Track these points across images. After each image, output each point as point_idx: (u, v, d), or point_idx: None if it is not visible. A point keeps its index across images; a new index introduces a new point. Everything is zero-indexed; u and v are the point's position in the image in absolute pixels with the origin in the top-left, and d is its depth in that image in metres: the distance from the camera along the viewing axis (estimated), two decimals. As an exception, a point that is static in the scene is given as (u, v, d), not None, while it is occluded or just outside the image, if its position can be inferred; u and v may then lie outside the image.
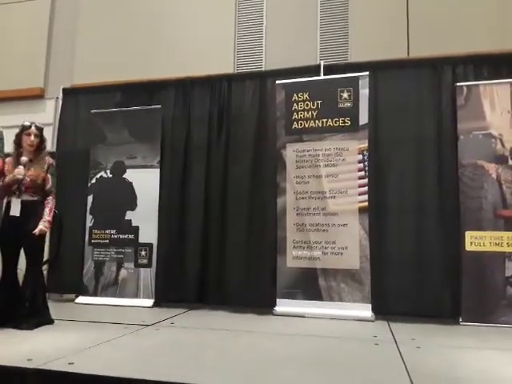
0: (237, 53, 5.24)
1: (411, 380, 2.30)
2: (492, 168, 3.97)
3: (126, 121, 4.92)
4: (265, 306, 4.18)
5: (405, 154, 4.23)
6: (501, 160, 3.95)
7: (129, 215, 4.79)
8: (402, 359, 2.69)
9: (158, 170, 4.78)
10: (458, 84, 4.14)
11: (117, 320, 3.75)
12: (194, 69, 4.90)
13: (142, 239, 4.72)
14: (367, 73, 4.29)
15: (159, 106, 4.87)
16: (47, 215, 3.57)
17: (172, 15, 5.43)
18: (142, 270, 4.66)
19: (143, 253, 4.69)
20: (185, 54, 5.21)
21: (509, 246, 3.84)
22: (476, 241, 3.92)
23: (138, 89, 5.07)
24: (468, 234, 3.94)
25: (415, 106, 4.26)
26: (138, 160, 4.86)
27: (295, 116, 4.42)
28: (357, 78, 4.30)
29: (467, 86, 4.11)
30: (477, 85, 4.09)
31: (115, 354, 2.76)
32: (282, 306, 4.16)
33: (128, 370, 2.37)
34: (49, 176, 3.66)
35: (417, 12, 4.58)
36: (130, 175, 4.87)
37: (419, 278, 4.00)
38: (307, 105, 4.39)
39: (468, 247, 3.92)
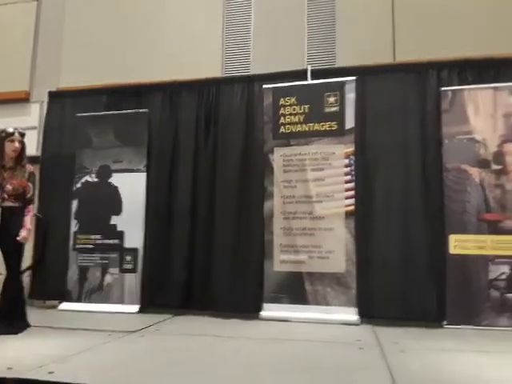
0: (224, 57, 5.24)
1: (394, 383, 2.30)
2: (475, 172, 4.01)
3: (113, 124, 4.89)
4: (251, 311, 4.17)
5: (391, 158, 4.25)
6: (484, 164, 4.00)
7: (114, 220, 4.75)
8: (386, 363, 2.69)
9: (144, 174, 4.75)
10: (442, 89, 4.19)
11: (101, 327, 3.70)
12: (181, 73, 4.88)
13: (127, 244, 4.68)
14: (353, 78, 4.32)
15: (146, 109, 4.84)
16: (29, 223, 3.59)
17: (159, 19, 5.42)
18: (127, 275, 4.61)
19: (128, 258, 4.64)
20: (172, 57, 5.18)
21: (492, 249, 3.88)
22: (460, 244, 3.96)
23: (124, 92, 5.04)
24: (452, 238, 3.98)
25: (401, 111, 4.30)
26: (124, 164, 4.82)
27: (282, 120, 4.43)
28: (343, 82, 4.33)
29: (452, 90, 4.16)
30: (461, 90, 4.14)
31: (97, 361, 2.72)
32: (269, 310, 4.15)
33: (109, 379, 2.34)
34: (30, 184, 3.65)
35: (402, 17, 4.63)
36: (115, 179, 4.82)
37: (404, 281, 4.02)
38: (294, 109, 4.41)
39: (452, 250, 3.96)
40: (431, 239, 4.05)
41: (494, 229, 3.90)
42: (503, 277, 3.82)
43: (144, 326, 3.76)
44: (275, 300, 4.17)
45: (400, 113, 4.29)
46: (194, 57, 5.11)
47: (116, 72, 5.19)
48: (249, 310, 4.18)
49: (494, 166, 3.98)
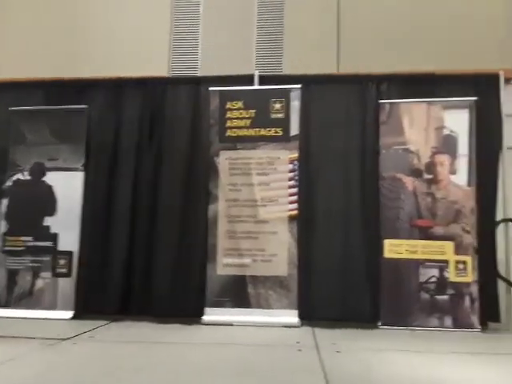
0: (172, 57, 5.15)
1: None
2: (409, 181, 4.26)
3: (49, 120, 4.62)
4: (193, 316, 4.11)
5: (332, 165, 4.40)
6: (417, 174, 4.25)
7: (47, 221, 4.48)
8: (322, 364, 2.78)
9: (81, 174, 4.53)
10: (381, 101, 4.40)
11: (30, 334, 3.47)
12: (125, 70, 4.72)
13: (61, 247, 4.43)
14: (299, 86, 4.43)
15: (85, 106, 4.63)
16: None
17: (104, 13, 5.22)
18: (60, 279, 4.36)
19: (62, 261, 4.40)
20: (117, 54, 5.02)
21: (422, 253, 4.13)
22: (394, 248, 4.17)
23: (63, 87, 4.77)
24: (386, 242, 4.19)
25: (343, 120, 4.46)
26: (59, 162, 4.56)
27: (229, 124, 4.43)
28: (289, 89, 4.42)
29: (389, 103, 4.38)
30: (398, 103, 4.38)
31: (22, 372, 2.55)
32: (211, 314, 4.12)
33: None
34: None
35: (347, 31, 4.84)
36: (50, 178, 4.56)
37: (343, 284, 4.17)
38: (241, 113, 4.43)
39: (387, 254, 4.17)
40: (368, 244, 4.23)
41: (425, 234, 4.16)
42: (433, 280, 4.08)
43: (77, 333, 3.58)
44: (218, 304, 4.15)
45: (342, 122, 4.46)
46: (141, 54, 4.98)
47: (55, 66, 4.93)
48: (191, 314, 4.12)
49: (426, 176, 4.25)
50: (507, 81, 4.55)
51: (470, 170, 4.18)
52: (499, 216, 4.26)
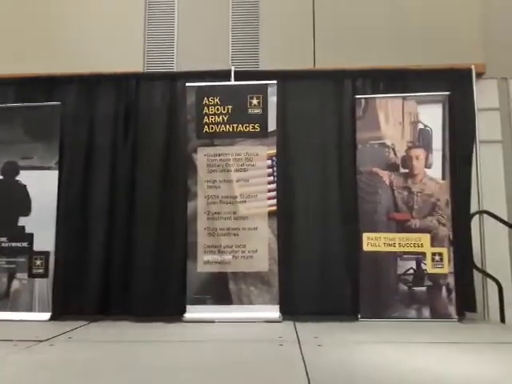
0: (147, 52, 5.06)
1: (308, 379, 2.40)
2: (385, 175, 4.32)
3: (21, 118, 4.50)
4: (174, 314, 4.08)
5: (310, 161, 4.43)
6: (393, 168, 4.31)
7: (22, 221, 4.37)
8: (303, 358, 2.80)
9: (56, 172, 4.43)
10: (357, 96, 4.44)
11: (6, 336, 3.40)
12: (99, 65, 4.64)
13: (37, 247, 4.33)
14: (275, 81, 4.43)
15: (59, 102, 4.53)
16: None
17: (76, 6, 5.08)
18: (37, 280, 4.27)
19: (38, 262, 4.31)
20: (91, 49, 4.89)
21: (400, 246, 4.20)
22: (372, 241, 4.23)
23: (35, 83, 4.66)
24: (365, 236, 4.24)
25: (320, 115, 4.49)
26: (33, 161, 4.45)
27: (206, 120, 4.40)
28: (265, 85, 4.42)
29: (365, 98, 4.43)
30: (373, 98, 4.43)
31: (-1, 374, 2.49)
32: (192, 312, 4.09)
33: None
34: None
35: (322, 26, 4.85)
36: (23, 177, 4.45)
37: (323, 278, 4.21)
38: (218, 109, 4.40)
39: (365, 247, 4.22)
40: (347, 238, 4.28)
41: (402, 227, 4.23)
42: (410, 271, 4.15)
43: (55, 335, 3.52)
44: (199, 301, 4.12)
45: (319, 117, 4.49)
46: (115, 50, 4.86)
47: (26, 62, 4.79)
48: (171, 312, 4.09)
49: (402, 170, 4.31)
50: (479, 75, 4.67)
51: (444, 164, 4.27)
52: (473, 208, 4.36)
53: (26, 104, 4.54)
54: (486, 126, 4.58)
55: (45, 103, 4.54)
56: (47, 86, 4.67)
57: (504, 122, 4.79)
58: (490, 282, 4.23)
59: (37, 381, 2.44)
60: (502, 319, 4.05)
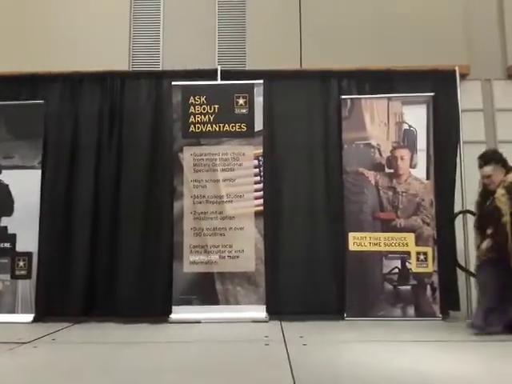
0: (132, 51, 5.02)
1: (294, 378, 2.41)
2: (371, 175, 4.35)
3: (3, 116, 4.42)
4: (160, 315, 4.06)
5: (297, 161, 4.44)
6: (378, 168, 4.35)
7: (4, 221, 4.31)
8: (289, 358, 2.82)
9: (38, 172, 4.36)
10: (342, 97, 4.46)
11: (-11, 339, 3.33)
12: (85, 64, 4.58)
13: (19, 248, 4.27)
14: (262, 81, 4.42)
15: (42, 101, 4.46)
16: None
17: (63, 5, 5.01)
18: (19, 281, 4.21)
19: (21, 263, 4.24)
20: (74, 46, 4.83)
21: (385, 245, 4.23)
22: (358, 241, 4.26)
23: (18, 82, 4.58)
24: (351, 235, 4.26)
25: (306, 115, 4.51)
26: (15, 160, 4.39)
27: (192, 119, 4.38)
28: (252, 85, 4.41)
29: (351, 99, 4.45)
30: (359, 98, 4.46)
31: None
32: (178, 312, 4.08)
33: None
34: None
35: (309, 27, 4.87)
36: (5, 177, 4.37)
37: (309, 277, 4.23)
38: (204, 108, 4.38)
39: (351, 247, 4.24)
40: (333, 237, 4.30)
41: (387, 227, 4.26)
42: (395, 271, 4.19)
43: (38, 336, 3.48)
44: (185, 302, 4.11)
45: (305, 117, 4.50)
46: (99, 48, 4.81)
47: (8, 59, 4.70)
48: (157, 313, 4.07)
49: (387, 170, 4.34)
50: (463, 76, 4.72)
51: (428, 164, 4.31)
52: (457, 208, 4.41)
53: (8, 102, 4.47)
54: (470, 126, 4.64)
55: (28, 101, 4.47)
56: (30, 85, 4.60)
57: (487, 123, 4.87)
58: (473, 280, 4.28)
59: (20, 383, 2.40)
60: (485, 317, 4.11)
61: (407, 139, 4.36)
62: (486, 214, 3.64)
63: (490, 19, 5.00)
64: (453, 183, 4.44)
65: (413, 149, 4.34)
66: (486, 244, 3.58)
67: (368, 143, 4.39)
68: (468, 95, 4.70)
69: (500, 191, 3.56)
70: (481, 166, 3.73)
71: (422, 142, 4.35)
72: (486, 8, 5.03)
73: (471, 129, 4.65)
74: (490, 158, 3.72)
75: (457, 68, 4.56)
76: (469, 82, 4.81)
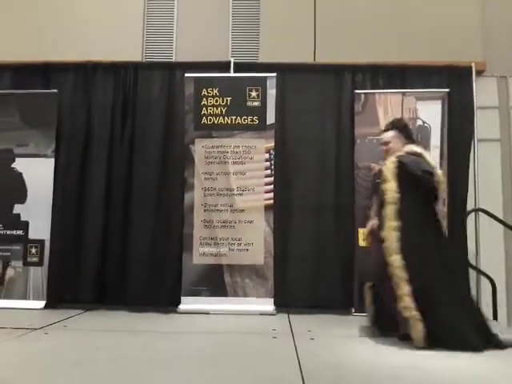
0: (146, 42, 5.00)
1: (301, 371, 2.42)
2: (383, 171, 4.32)
3: (17, 105, 4.45)
4: (169, 305, 4.10)
5: (308, 155, 4.42)
6: (391, 164, 4.32)
7: (17, 209, 4.35)
8: (296, 351, 2.82)
9: (52, 160, 4.39)
10: (356, 91, 4.42)
11: (1, 324, 3.38)
12: (98, 54, 4.58)
13: (32, 235, 4.32)
14: (275, 74, 4.40)
15: (55, 90, 4.48)
16: None
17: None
18: (32, 268, 4.27)
19: (33, 250, 4.30)
20: (89, 37, 4.83)
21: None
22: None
23: (32, 70, 4.61)
24: (361, 231, 4.22)
25: (319, 109, 4.48)
26: (29, 148, 4.42)
27: (204, 111, 4.37)
28: (265, 78, 4.39)
29: (364, 93, 4.40)
30: (373, 93, 4.41)
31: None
32: (187, 303, 4.11)
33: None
34: None
35: (323, 20, 4.81)
36: (19, 165, 4.41)
37: (318, 272, 4.24)
38: (216, 100, 4.38)
39: (361, 243, 4.21)
40: (343, 232, 4.29)
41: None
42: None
43: (50, 323, 3.52)
44: (194, 293, 4.14)
45: (318, 111, 4.48)
46: (113, 38, 4.80)
47: (22, 48, 4.73)
48: (166, 303, 4.11)
49: (399, 166, 4.32)
50: (479, 73, 4.65)
51: (441, 161, 4.27)
52: (470, 206, 4.37)
53: (21, 91, 4.50)
54: (485, 124, 4.58)
55: (41, 90, 4.50)
56: (43, 74, 4.63)
57: (502, 120, 4.79)
58: (483, 279, 4.26)
59: (30, 369, 2.44)
60: (495, 317, 4.09)
61: (421, 135, 4.32)
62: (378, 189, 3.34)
63: (507, 16, 4.91)
64: (466, 181, 4.39)
65: (426, 145, 4.29)
66: (370, 224, 3.38)
67: (381, 139, 4.34)
68: (483, 92, 4.62)
69: (391, 159, 3.26)
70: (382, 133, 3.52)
71: (435, 139, 4.30)
72: (504, 5, 4.93)
73: (486, 126, 4.59)
74: (394, 124, 3.47)
75: (473, 64, 4.50)
76: (484, 79, 4.73)
